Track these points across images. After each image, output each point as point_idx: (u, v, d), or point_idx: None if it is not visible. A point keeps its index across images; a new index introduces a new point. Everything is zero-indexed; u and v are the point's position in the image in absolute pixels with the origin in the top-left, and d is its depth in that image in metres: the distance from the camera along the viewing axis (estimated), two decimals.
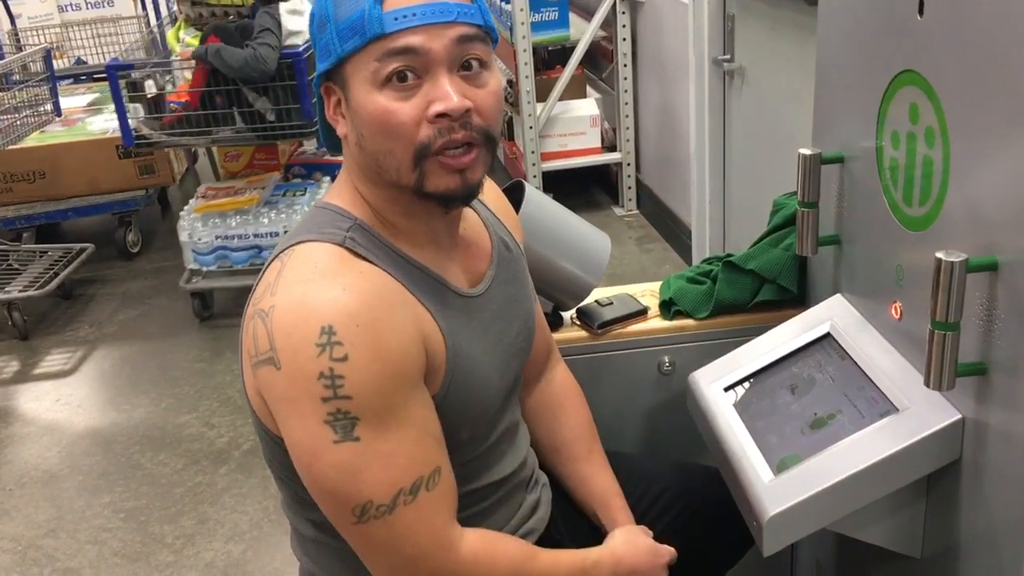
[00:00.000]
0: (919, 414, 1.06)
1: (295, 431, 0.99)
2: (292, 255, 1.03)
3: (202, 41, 3.28)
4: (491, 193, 1.27)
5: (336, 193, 1.11)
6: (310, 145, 4.01)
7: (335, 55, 1.01)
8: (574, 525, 1.32)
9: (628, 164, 4.16)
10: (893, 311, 1.15)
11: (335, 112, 1.06)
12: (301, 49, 3.20)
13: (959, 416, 1.03)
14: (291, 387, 0.97)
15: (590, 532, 1.31)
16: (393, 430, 0.99)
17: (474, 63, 1.01)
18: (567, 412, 1.36)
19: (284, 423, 1.00)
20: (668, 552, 1.24)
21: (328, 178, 3.79)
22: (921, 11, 1.03)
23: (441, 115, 0.98)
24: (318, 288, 0.98)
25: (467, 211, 1.17)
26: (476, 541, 1.07)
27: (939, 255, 0.94)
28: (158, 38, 4.10)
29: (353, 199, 1.09)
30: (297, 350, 0.96)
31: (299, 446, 1.00)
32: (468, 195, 1.06)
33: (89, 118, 4.35)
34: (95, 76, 5.35)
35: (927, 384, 0.98)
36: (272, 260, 1.06)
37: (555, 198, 1.55)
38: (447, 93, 0.98)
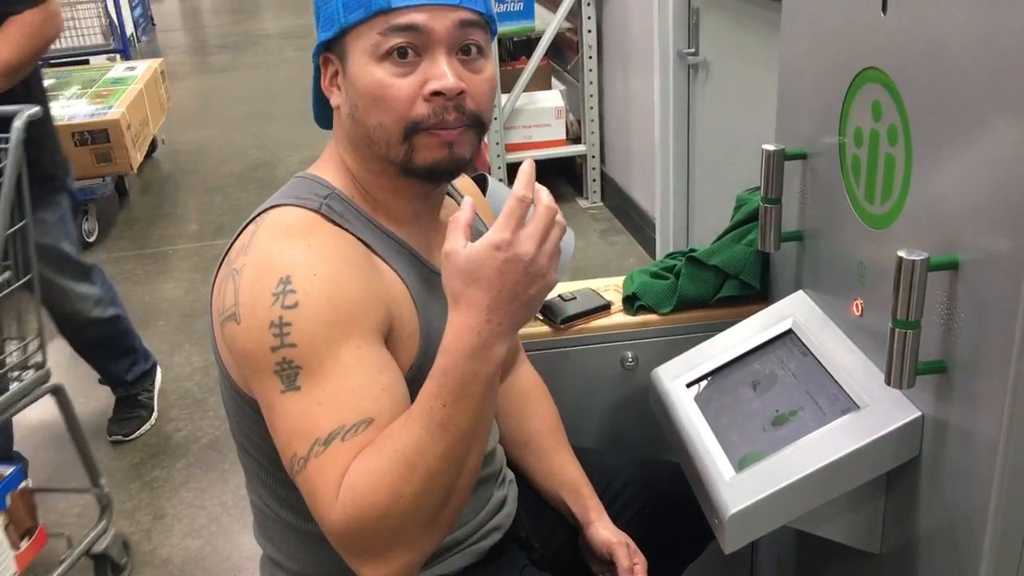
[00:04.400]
0: (879, 412, 1.06)
1: (256, 386, 0.97)
2: (266, 218, 1.03)
3: None
4: (464, 183, 1.30)
5: (319, 165, 1.11)
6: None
7: (338, 25, 1.01)
8: (540, 520, 1.32)
9: (593, 156, 4.16)
10: (854, 308, 1.16)
11: (331, 83, 1.06)
12: None
13: (919, 414, 1.04)
14: (248, 340, 0.95)
15: (556, 526, 1.32)
16: (331, 377, 0.93)
17: (473, 48, 1.02)
18: (534, 406, 1.36)
19: (250, 380, 0.99)
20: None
21: None
22: (884, 8, 1.02)
23: (436, 93, 0.99)
24: (284, 243, 0.98)
25: (446, 199, 1.18)
26: (345, 489, 0.90)
27: (900, 253, 0.94)
28: (116, 23, 3.82)
29: (337, 171, 1.08)
30: (255, 302, 0.95)
31: (262, 401, 0.98)
32: (455, 168, 1.05)
33: None
34: (51, 61, 5.24)
35: (888, 382, 0.98)
36: (246, 225, 1.05)
37: None
38: (444, 72, 0.99)
